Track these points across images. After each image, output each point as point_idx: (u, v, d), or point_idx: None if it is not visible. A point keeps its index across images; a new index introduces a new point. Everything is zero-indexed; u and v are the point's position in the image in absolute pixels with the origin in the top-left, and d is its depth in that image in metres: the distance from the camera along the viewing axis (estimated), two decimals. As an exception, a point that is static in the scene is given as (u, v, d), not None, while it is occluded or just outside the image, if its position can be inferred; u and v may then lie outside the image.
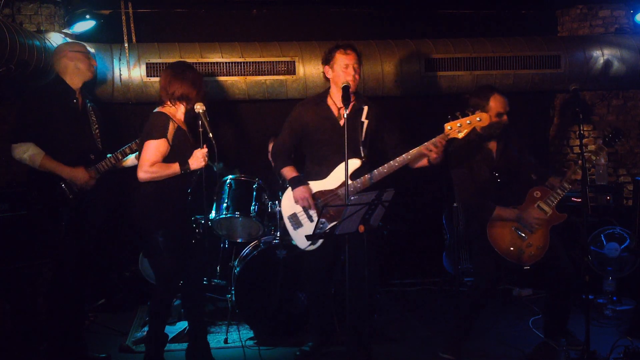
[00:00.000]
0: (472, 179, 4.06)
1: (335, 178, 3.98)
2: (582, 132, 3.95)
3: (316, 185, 4.02)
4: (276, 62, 5.33)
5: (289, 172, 4.07)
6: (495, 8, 6.15)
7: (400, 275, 6.08)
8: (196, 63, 5.17)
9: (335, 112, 4.03)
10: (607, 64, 5.68)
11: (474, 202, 4.07)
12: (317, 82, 5.32)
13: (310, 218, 4.01)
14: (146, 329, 4.67)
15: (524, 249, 3.99)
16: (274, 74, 5.34)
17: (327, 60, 4.01)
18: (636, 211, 5.26)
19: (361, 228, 3.49)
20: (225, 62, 5.26)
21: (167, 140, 3.73)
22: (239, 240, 4.94)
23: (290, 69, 5.33)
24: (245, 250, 4.81)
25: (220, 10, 5.81)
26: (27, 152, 3.85)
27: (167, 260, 3.78)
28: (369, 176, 3.89)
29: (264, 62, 5.31)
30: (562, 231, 4.25)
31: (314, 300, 4.26)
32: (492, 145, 4.16)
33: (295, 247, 4.18)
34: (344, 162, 3.72)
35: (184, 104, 3.84)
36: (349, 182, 3.82)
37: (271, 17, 5.88)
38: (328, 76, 4.03)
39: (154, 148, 3.71)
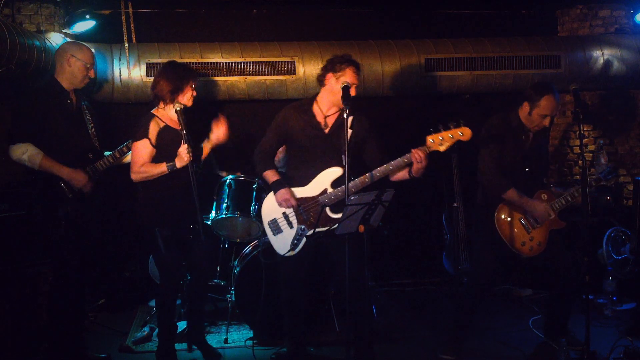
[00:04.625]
0: (497, 157, 4.09)
1: (316, 185, 3.89)
2: (582, 132, 3.96)
3: (296, 192, 3.91)
4: (276, 62, 5.33)
5: (271, 175, 3.96)
6: (495, 8, 6.15)
7: (400, 275, 6.08)
8: (196, 63, 5.18)
9: (321, 119, 3.92)
10: (607, 64, 5.68)
11: (491, 178, 4.10)
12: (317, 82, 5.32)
13: (290, 224, 3.93)
14: (146, 329, 4.68)
15: (525, 240, 4.10)
16: (274, 74, 5.33)
17: (334, 69, 3.79)
18: (636, 211, 5.26)
19: (361, 228, 3.49)
20: (225, 62, 5.26)
21: (150, 140, 3.81)
22: (238, 241, 4.94)
23: (290, 69, 5.32)
24: (245, 250, 4.81)
25: (220, 10, 5.80)
26: (26, 153, 3.83)
27: (166, 254, 3.89)
28: (352, 184, 3.78)
29: (264, 62, 5.30)
30: (564, 231, 4.27)
31: (289, 307, 4.13)
32: (528, 135, 4.21)
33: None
34: (325, 170, 3.84)
35: (172, 103, 3.88)
36: (330, 190, 3.85)
37: (271, 17, 5.88)
38: (327, 83, 3.84)
39: (137, 149, 3.86)
